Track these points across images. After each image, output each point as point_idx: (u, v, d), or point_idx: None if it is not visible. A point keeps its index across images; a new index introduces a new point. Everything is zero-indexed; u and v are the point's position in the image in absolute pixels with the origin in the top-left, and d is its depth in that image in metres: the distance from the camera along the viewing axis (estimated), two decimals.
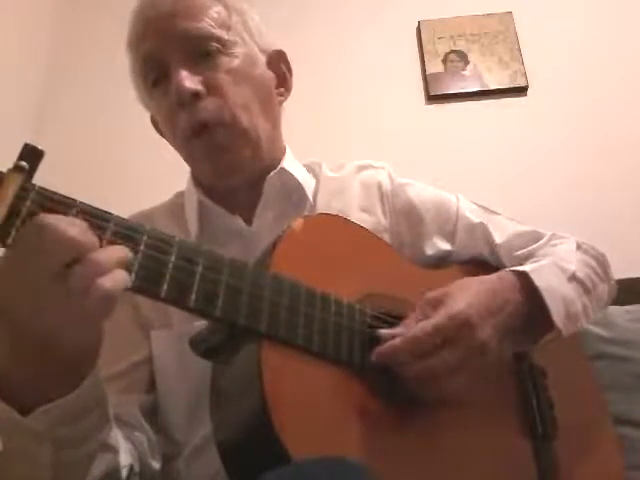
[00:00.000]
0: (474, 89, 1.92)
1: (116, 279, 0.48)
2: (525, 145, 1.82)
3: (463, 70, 1.94)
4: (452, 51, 1.97)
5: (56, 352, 0.52)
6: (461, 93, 1.92)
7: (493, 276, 0.76)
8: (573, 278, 0.80)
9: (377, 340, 0.66)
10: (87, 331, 0.52)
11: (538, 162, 1.79)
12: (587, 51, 1.92)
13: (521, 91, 1.90)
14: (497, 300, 0.71)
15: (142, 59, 0.84)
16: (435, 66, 1.95)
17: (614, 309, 1.24)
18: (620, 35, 1.93)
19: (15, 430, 0.56)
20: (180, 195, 0.94)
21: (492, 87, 1.91)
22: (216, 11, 0.84)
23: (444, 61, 1.96)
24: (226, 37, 0.83)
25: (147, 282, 0.53)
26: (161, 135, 0.93)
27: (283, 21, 1.97)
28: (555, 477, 0.74)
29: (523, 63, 1.91)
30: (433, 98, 1.92)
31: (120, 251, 0.51)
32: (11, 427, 0.56)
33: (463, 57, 1.96)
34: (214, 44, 0.82)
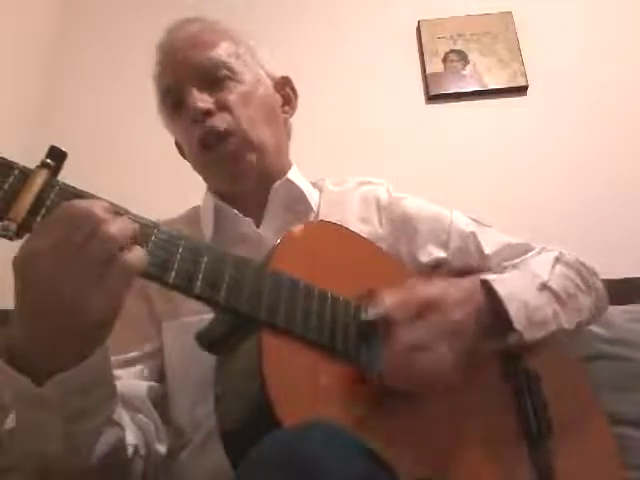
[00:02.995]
0: (474, 89, 1.91)
1: (135, 254, 0.54)
2: (525, 145, 1.82)
3: (463, 70, 1.94)
4: (452, 51, 1.97)
5: (76, 319, 0.54)
6: (461, 93, 1.92)
7: (460, 279, 0.79)
8: (544, 287, 0.82)
9: (372, 332, 0.68)
10: (106, 300, 0.54)
11: (538, 162, 1.79)
12: (587, 51, 1.92)
13: (521, 91, 1.90)
14: (460, 296, 0.74)
15: (162, 92, 0.95)
16: (435, 66, 1.95)
17: (613, 309, 1.23)
18: (620, 34, 1.93)
19: (30, 401, 0.58)
20: (195, 208, 1.02)
21: (492, 87, 1.91)
22: (225, 45, 0.94)
23: (444, 61, 1.96)
24: (235, 65, 0.93)
25: (156, 269, 0.58)
26: (185, 158, 1.01)
27: (283, 21, 1.97)
28: (551, 478, 0.74)
29: (523, 63, 1.91)
30: (433, 98, 1.92)
31: (130, 224, 0.56)
32: (26, 398, 0.58)
33: (463, 57, 1.96)
34: (224, 71, 0.92)
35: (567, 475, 0.75)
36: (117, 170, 1.82)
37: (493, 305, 0.76)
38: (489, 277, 0.78)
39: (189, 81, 0.90)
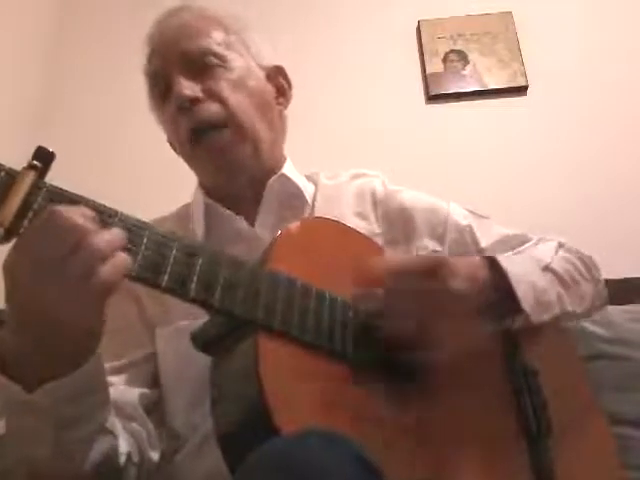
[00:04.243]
0: (474, 89, 1.91)
1: (116, 265, 0.52)
2: (525, 145, 1.82)
3: (463, 70, 1.94)
4: (452, 51, 1.97)
5: (57, 332, 0.54)
6: (461, 93, 1.91)
7: (463, 259, 0.77)
8: (547, 269, 0.81)
9: (370, 333, 0.68)
10: (88, 313, 0.54)
11: (538, 162, 1.79)
12: (587, 51, 1.92)
13: (521, 91, 1.90)
14: (466, 273, 0.72)
15: (150, 80, 0.92)
16: (435, 66, 1.95)
17: (614, 309, 1.24)
18: (620, 34, 1.93)
19: (20, 408, 0.58)
20: (186, 206, 0.99)
21: (492, 87, 1.91)
22: (216, 34, 0.91)
23: (444, 61, 1.96)
24: (224, 53, 0.90)
25: (149, 272, 0.56)
26: (177, 153, 0.97)
27: (282, 21, 1.97)
28: (551, 475, 0.74)
29: (523, 63, 1.91)
30: (433, 98, 1.91)
31: (117, 233, 0.54)
32: (16, 405, 0.58)
33: (463, 57, 1.96)
34: (213, 58, 0.88)
35: (567, 474, 0.75)
36: (117, 170, 1.82)
37: (499, 282, 0.74)
38: (493, 256, 0.77)
39: (176, 68, 0.87)
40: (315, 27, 2.03)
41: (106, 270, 0.51)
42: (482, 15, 2.00)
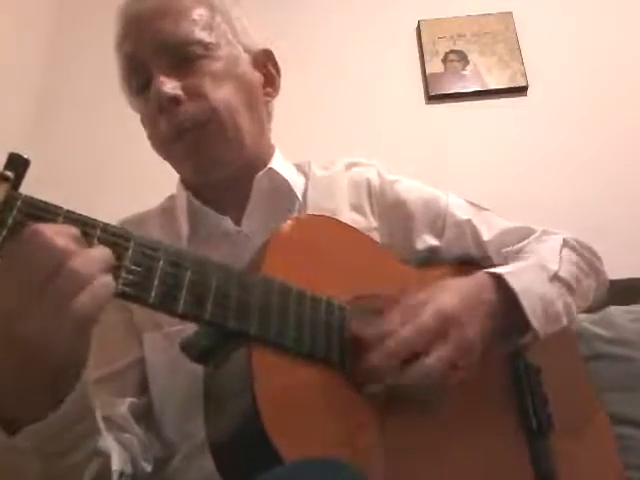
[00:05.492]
0: (474, 89, 1.92)
1: (97, 290, 0.48)
2: (525, 145, 1.82)
3: (463, 70, 1.94)
4: (452, 51, 1.97)
5: (41, 362, 0.50)
6: (461, 93, 1.92)
7: (469, 278, 0.75)
8: (555, 278, 0.79)
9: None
10: (72, 341, 0.50)
11: (538, 162, 1.79)
12: (587, 51, 1.92)
13: (521, 91, 1.90)
14: (473, 301, 0.71)
15: (124, 60, 0.84)
16: (435, 66, 1.95)
17: (614, 309, 1.24)
18: (620, 34, 1.93)
19: (3, 448, 0.54)
20: (172, 198, 0.94)
21: (492, 87, 1.91)
22: (199, 13, 0.83)
23: (444, 61, 1.96)
24: (208, 39, 0.82)
25: (135, 289, 0.53)
26: (148, 138, 0.91)
27: (282, 20, 1.97)
28: (552, 473, 0.74)
29: (523, 63, 1.91)
30: (433, 98, 1.92)
31: (102, 253, 0.50)
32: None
33: (463, 57, 1.96)
34: (195, 47, 0.81)
35: (568, 470, 0.74)
36: (116, 170, 1.82)
37: (506, 302, 0.73)
38: (500, 271, 0.75)
39: (155, 58, 0.80)
40: (315, 27, 2.03)
41: (85, 298, 0.47)
42: (482, 15, 2.00)
